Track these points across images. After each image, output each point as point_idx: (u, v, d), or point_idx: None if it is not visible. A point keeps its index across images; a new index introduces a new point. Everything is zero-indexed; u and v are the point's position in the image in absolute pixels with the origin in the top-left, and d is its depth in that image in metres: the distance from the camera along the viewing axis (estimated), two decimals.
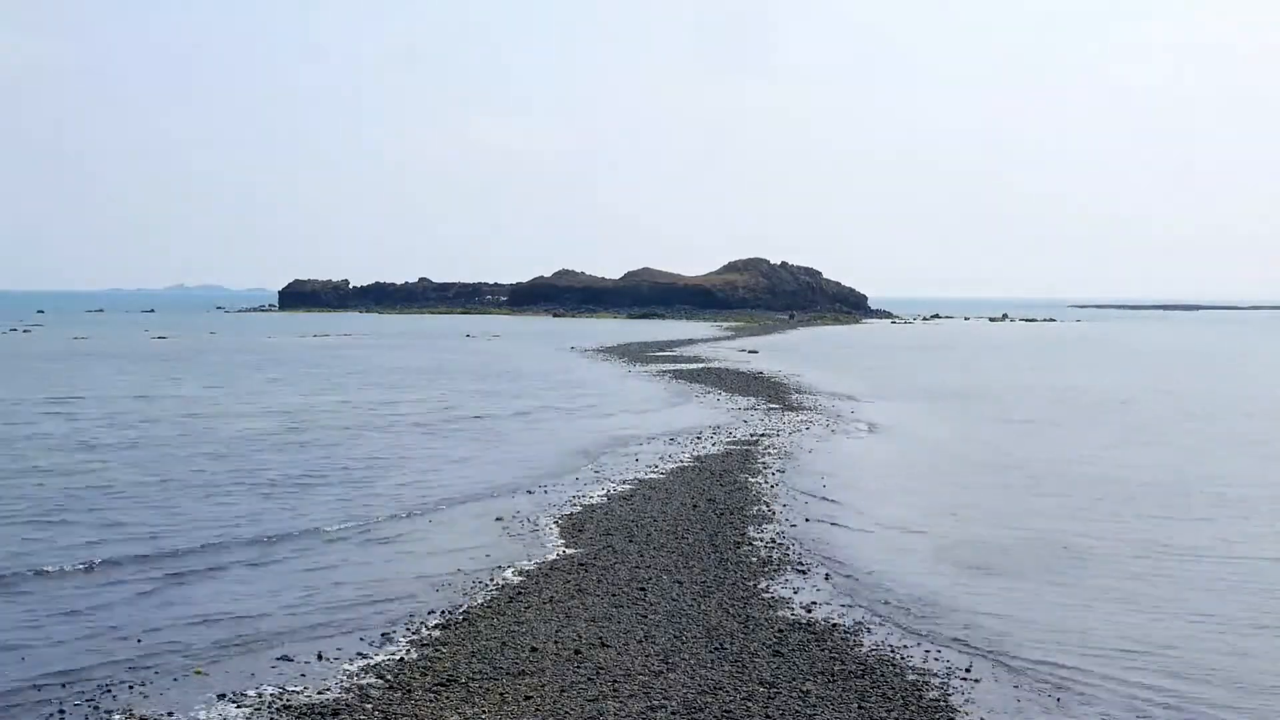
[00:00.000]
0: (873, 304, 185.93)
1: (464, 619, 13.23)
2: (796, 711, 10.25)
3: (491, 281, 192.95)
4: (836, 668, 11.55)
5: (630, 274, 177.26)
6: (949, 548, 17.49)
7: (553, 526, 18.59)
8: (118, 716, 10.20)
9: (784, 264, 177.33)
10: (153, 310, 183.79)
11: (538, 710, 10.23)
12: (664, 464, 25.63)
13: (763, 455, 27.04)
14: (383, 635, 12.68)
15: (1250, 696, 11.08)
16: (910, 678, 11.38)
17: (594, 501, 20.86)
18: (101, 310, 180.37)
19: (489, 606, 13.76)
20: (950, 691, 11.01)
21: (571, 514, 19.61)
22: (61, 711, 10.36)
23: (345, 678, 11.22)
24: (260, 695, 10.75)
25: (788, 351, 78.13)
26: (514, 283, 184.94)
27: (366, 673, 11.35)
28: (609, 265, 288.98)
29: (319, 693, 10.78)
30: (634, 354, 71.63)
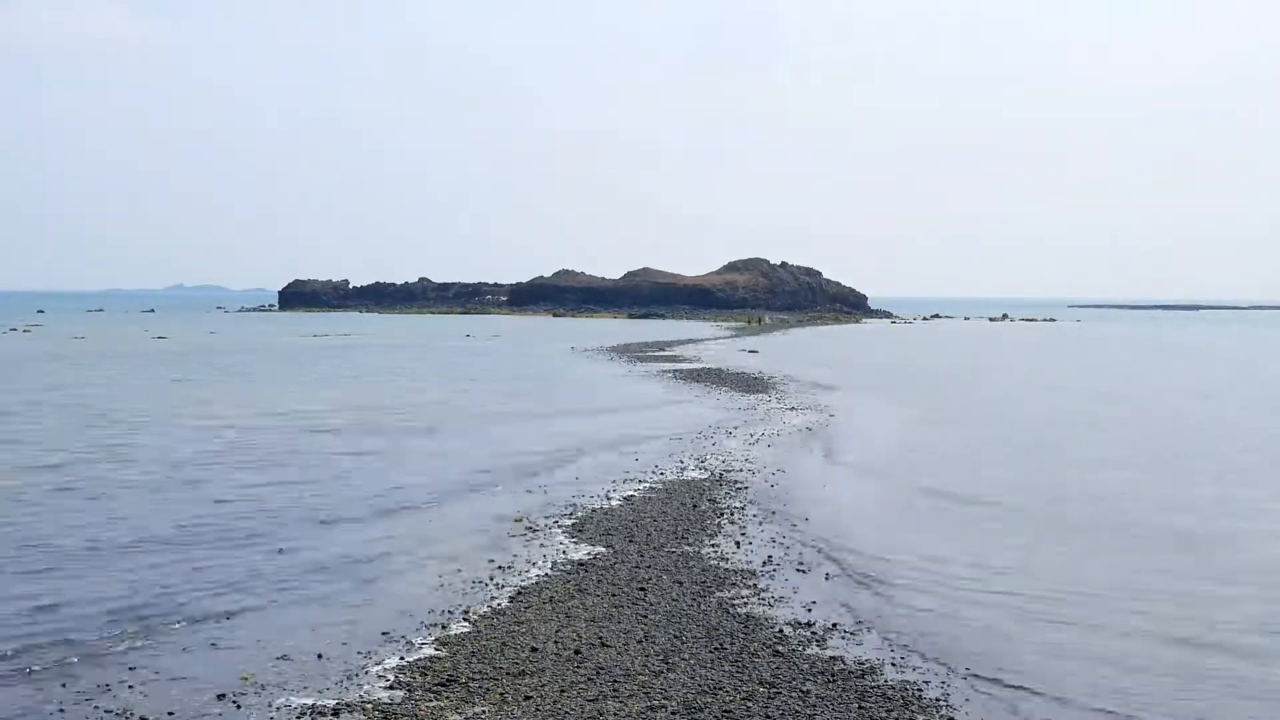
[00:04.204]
0: (873, 304, 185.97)
1: (464, 619, 13.23)
2: (796, 711, 10.25)
3: (491, 281, 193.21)
4: (836, 667, 11.55)
5: (630, 274, 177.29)
6: (950, 548, 17.48)
7: (553, 526, 18.59)
8: (118, 716, 10.20)
9: (784, 264, 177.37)
10: (152, 310, 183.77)
11: (538, 710, 10.23)
12: (664, 463, 25.63)
13: (763, 455, 27.04)
14: (383, 634, 12.67)
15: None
16: (911, 677, 11.38)
17: (594, 501, 20.86)
18: (101, 310, 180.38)
19: (489, 606, 13.76)
20: (950, 691, 11.01)
21: (572, 513, 19.61)
22: (61, 711, 10.36)
23: (345, 677, 11.22)
24: (260, 695, 10.75)
25: (788, 352, 78.13)
26: (514, 283, 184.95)
27: (366, 672, 11.35)
28: (609, 265, 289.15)
29: (319, 692, 10.78)
30: (634, 354, 71.63)
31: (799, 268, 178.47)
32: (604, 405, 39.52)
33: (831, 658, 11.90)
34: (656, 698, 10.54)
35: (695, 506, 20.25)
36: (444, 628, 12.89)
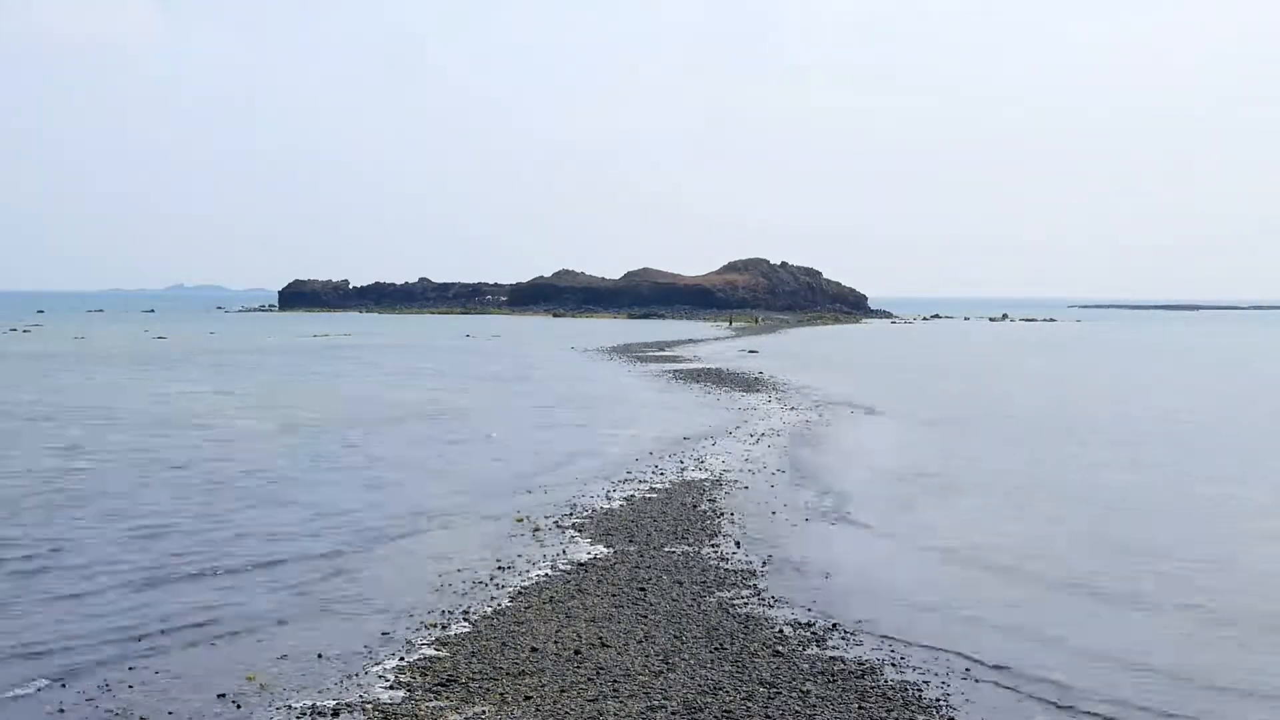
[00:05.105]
0: (873, 304, 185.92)
1: (464, 619, 13.23)
2: (796, 711, 10.25)
3: (491, 281, 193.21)
4: (836, 668, 11.55)
5: (630, 274, 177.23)
6: (949, 548, 17.49)
7: (553, 526, 18.59)
8: (118, 717, 10.20)
9: (784, 264, 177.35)
10: (152, 310, 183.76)
11: (538, 710, 10.23)
12: (664, 464, 25.63)
13: (763, 455, 27.05)
14: (383, 634, 12.67)
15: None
16: (910, 677, 11.38)
17: (594, 501, 20.86)
18: (101, 310, 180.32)
19: (489, 606, 13.76)
20: (950, 691, 11.01)
21: (572, 514, 19.62)
22: (61, 711, 10.36)
23: (345, 677, 11.22)
24: (260, 695, 10.75)
25: (788, 352, 78.12)
26: (514, 283, 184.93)
27: (366, 672, 11.35)
28: (609, 265, 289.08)
29: (319, 692, 10.79)
30: (634, 354, 71.63)
31: (799, 268, 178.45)
32: (604, 405, 39.51)
33: (831, 658, 11.90)
34: (656, 698, 10.55)
35: (695, 507, 20.25)
36: (444, 628, 12.89)
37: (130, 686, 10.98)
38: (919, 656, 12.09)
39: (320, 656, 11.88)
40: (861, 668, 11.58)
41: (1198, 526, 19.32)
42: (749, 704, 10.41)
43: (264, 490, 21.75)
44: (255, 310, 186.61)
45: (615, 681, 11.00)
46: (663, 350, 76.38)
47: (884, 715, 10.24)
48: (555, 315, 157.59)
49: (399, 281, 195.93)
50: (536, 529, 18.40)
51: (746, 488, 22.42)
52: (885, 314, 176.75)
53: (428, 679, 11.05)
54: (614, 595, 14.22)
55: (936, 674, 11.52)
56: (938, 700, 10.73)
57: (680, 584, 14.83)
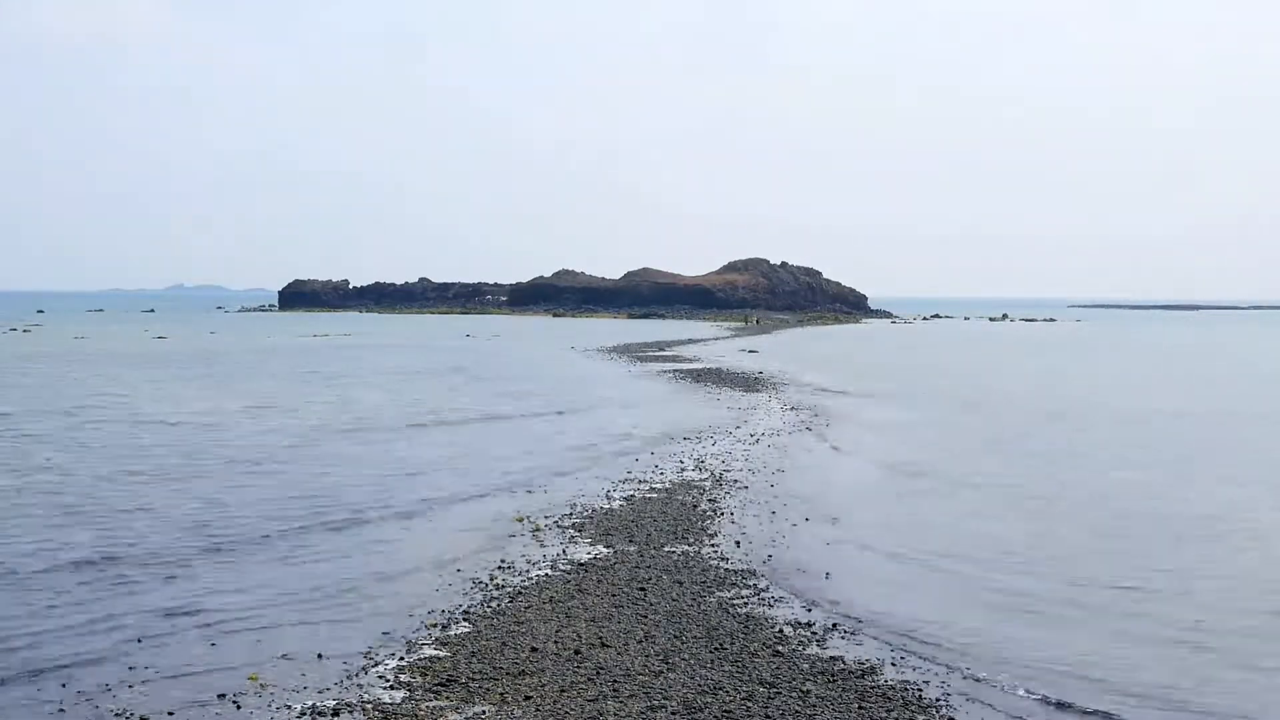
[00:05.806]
0: (873, 304, 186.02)
1: (464, 619, 13.24)
2: (796, 711, 10.25)
3: (491, 281, 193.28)
4: (837, 668, 11.55)
5: (630, 274, 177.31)
6: (948, 548, 17.49)
7: (553, 526, 18.60)
8: (118, 716, 10.20)
9: (784, 264, 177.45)
10: (152, 310, 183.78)
11: (538, 710, 10.23)
12: (665, 463, 25.64)
13: (764, 455, 27.06)
14: (383, 634, 12.68)
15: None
16: (911, 677, 11.38)
17: (594, 501, 20.86)
18: (101, 310, 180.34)
19: (489, 606, 13.76)
20: (951, 691, 11.01)
21: (572, 513, 19.62)
22: (61, 711, 10.36)
23: (345, 677, 11.22)
24: (260, 695, 10.75)
25: (788, 352, 78.13)
26: (514, 283, 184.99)
27: (366, 672, 11.35)
28: (609, 265, 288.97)
29: (319, 692, 10.79)
30: (635, 354, 71.65)
31: (799, 268, 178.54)
32: (604, 405, 39.52)
33: (831, 658, 11.90)
34: (656, 698, 10.55)
35: (695, 506, 20.26)
36: (444, 628, 12.90)
37: (130, 686, 10.98)
38: (919, 655, 12.09)
39: (320, 656, 11.88)
40: (861, 668, 11.58)
41: (1194, 523, 19.31)
42: (749, 704, 10.41)
43: (262, 493, 21.74)
44: (255, 310, 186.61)
45: (615, 681, 11.00)
46: (663, 350, 76.41)
47: (884, 715, 10.25)
48: (555, 315, 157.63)
49: (399, 281, 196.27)
50: (536, 529, 18.40)
51: (746, 487, 22.42)
52: (885, 314, 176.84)
53: (428, 679, 11.06)
54: (614, 595, 14.23)
55: (936, 674, 11.52)
56: (938, 700, 10.73)
57: (680, 584, 14.83)
